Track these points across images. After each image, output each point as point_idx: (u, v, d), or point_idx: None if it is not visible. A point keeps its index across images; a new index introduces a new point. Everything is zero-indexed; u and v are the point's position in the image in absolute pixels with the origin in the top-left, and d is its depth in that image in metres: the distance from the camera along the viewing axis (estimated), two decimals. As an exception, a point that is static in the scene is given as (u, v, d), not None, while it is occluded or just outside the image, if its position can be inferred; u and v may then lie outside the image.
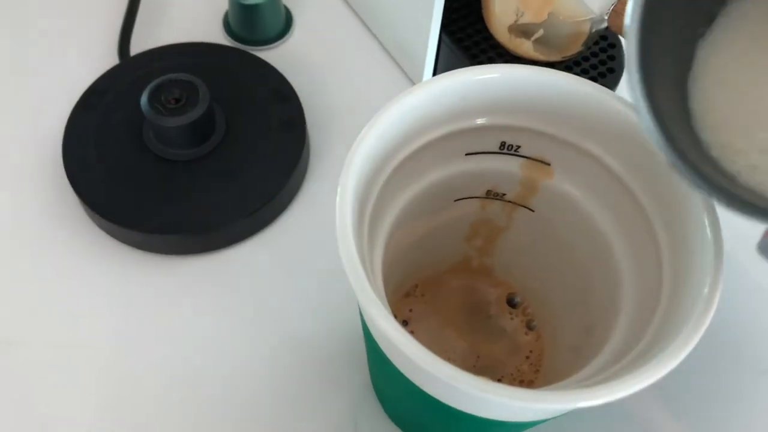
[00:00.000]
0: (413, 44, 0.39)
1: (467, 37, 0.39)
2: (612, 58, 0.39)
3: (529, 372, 0.32)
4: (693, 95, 0.21)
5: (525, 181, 0.27)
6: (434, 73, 0.41)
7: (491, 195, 0.29)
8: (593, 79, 0.38)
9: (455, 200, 0.29)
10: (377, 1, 0.42)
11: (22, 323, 0.34)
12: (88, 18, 0.45)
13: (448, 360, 0.19)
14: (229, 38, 0.45)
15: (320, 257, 0.36)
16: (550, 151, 0.26)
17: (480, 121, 0.25)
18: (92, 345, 0.34)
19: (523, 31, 0.36)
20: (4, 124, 0.41)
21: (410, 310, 0.33)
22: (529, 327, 0.33)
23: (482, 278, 0.34)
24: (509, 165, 0.27)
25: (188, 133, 0.36)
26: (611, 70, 0.39)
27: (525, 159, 0.27)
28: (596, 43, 0.39)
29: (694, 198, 0.22)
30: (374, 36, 0.45)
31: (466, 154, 0.27)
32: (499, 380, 0.31)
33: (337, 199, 0.21)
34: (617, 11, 0.33)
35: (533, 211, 0.29)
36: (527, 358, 0.32)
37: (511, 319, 0.33)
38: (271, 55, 0.44)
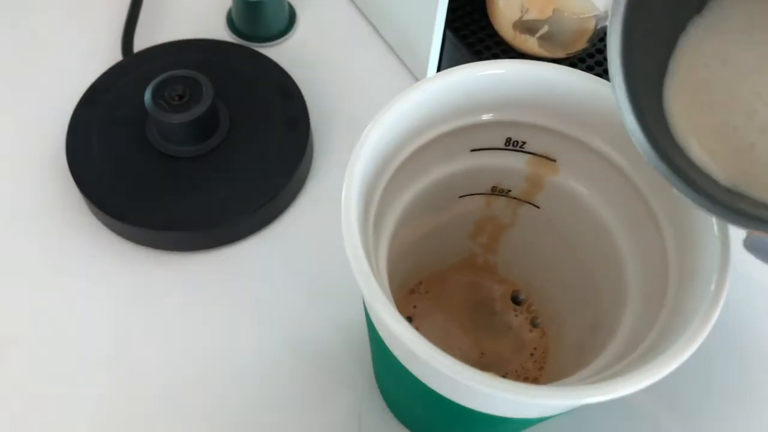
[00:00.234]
0: (417, 41, 0.39)
1: (471, 34, 0.39)
2: (617, 54, 0.39)
3: (533, 369, 0.32)
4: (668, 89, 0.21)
5: (530, 177, 0.27)
6: (438, 71, 0.40)
7: (496, 191, 0.28)
8: (598, 76, 0.38)
9: (460, 197, 0.29)
10: (381, -3, 0.42)
11: (24, 320, 0.34)
12: (92, 15, 0.45)
13: (453, 357, 0.19)
14: (232, 35, 0.45)
15: (324, 254, 0.36)
16: (556, 147, 0.26)
17: (485, 117, 0.25)
18: (94, 341, 0.34)
19: (527, 27, 0.36)
20: (8, 121, 0.41)
21: (414, 307, 0.33)
22: (534, 324, 0.33)
23: (487, 275, 0.33)
24: (515, 161, 0.27)
25: (192, 130, 0.36)
26: (616, 67, 0.38)
27: (530, 155, 0.27)
28: (601, 39, 0.39)
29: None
30: (378, 33, 0.45)
31: (471, 150, 0.27)
32: (503, 377, 0.31)
33: (343, 195, 0.21)
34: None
35: (538, 207, 0.29)
36: (531, 355, 0.32)
37: (516, 316, 0.33)
38: (274, 51, 0.44)
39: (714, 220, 0.21)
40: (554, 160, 0.26)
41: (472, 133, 0.26)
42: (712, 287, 0.20)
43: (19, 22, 0.45)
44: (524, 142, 0.26)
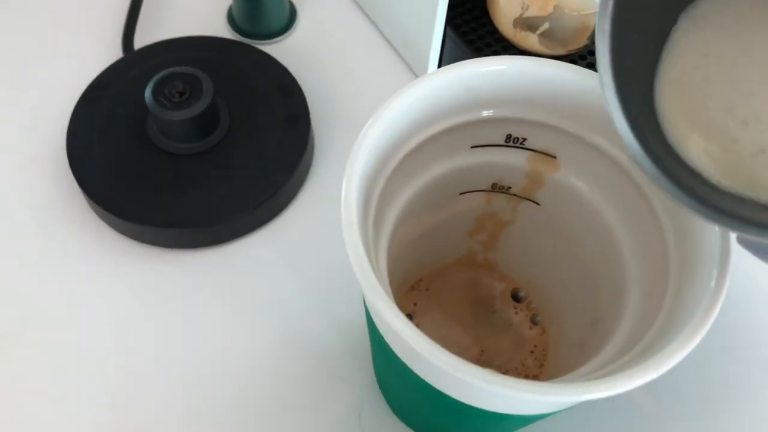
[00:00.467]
0: (418, 38, 0.39)
1: (472, 31, 0.39)
2: (617, 52, 0.39)
3: (533, 366, 0.32)
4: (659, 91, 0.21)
5: (531, 174, 0.27)
6: (439, 68, 0.40)
7: (497, 188, 0.28)
8: (599, 73, 0.38)
9: (460, 194, 0.29)
10: (382, -6, 0.42)
11: (24, 317, 0.34)
12: (92, 12, 0.45)
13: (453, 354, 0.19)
14: (233, 32, 0.45)
15: (325, 251, 0.36)
16: (557, 143, 0.26)
17: (486, 113, 0.25)
18: (94, 338, 0.34)
19: (528, 24, 0.36)
20: (9, 118, 0.41)
21: (414, 305, 0.33)
22: (534, 321, 0.33)
23: (487, 272, 0.33)
24: (515, 158, 0.27)
25: (192, 127, 0.36)
26: (617, 64, 0.38)
27: (531, 152, 0.27)
28: (602, 36, 0.39)
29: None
30: (379, 30, 0.45)
31: (472, 147, 0.27)
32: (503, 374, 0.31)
33: (343, 192, 0.21)
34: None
35: (539, 204, 0.28)
36: (532, 352, 0.32)
37: (516, 313, 0.33)
38: (275, 48, 0.44)
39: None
40: (555, 157, 0.26)
41: (473, 130, 0.26)
42: (713, 284, 0.20)
43: (19, 19, 0.45)
44: (525, 139, 0.26)
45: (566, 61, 0.24)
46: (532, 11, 0.35)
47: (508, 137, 0.26)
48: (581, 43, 0.37)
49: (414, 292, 0.33)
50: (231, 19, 0.45)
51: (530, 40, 0.37)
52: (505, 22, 0.37)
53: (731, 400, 0.33)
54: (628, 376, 0.19)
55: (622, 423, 0.32)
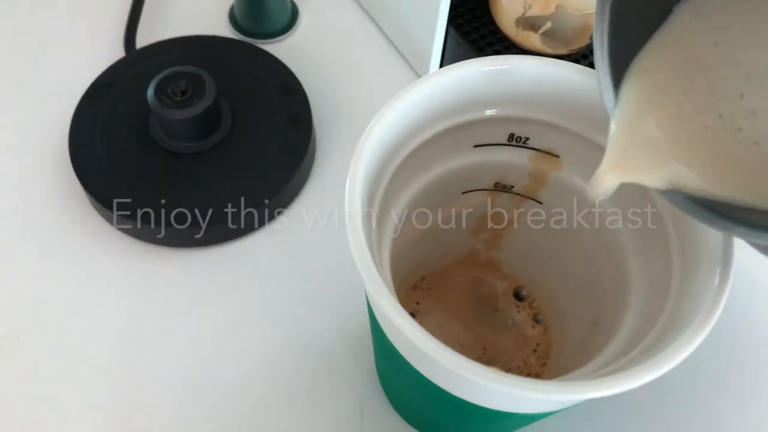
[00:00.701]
0: (420, 38, 0.39)
1: (474, 30, 0.39)
2: (619, 51, 0.39)
3: (536, 365, 0.32)
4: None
5: (534, 173, 0.27)
6: (441, 67, 0.40)
7: (499, 187, 0.28)
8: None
9: (463, 193, 0.29)
10: (384, -6, 0.42)
11: (29, 316, 0.34)
12: (94, 11, 0.45)
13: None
14: (235, 31, 0.45)
15: (327, 250, 0.36)
16: (559, 143, 0.26)
17: (488, 112, 0.25)
18: (97, 337, 0.34)
19: (530, 24, 0.36)
20: (11, 118, 0.41)
21: (417, 303, 0.33)
22: (536, 320, 0.33)
23: (489, 271, 0.33)
24: (518, 157, 0.27)
25: (195, 126, 0.36)
26: (619, 64, 0.38)
27: (534, 151, 0.27)
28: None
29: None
30: (380, 29, 0.45)
31: (474, 146, 0.27)
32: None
33: (346, 191, 0.21)
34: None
35: (541, 203, 0.29)
36: (534, 351, 0.32)
37: (518, 312, 0.33)
38: (276, 48, 0.44)
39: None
40: (557, 156, 0.26)
41: (475, 129, 0.26)
42: (716, 281, 0.20)
43: (21, 18, 0.45)
44: (527, 138, 0.26)
45: (569, 60, 0.24)
46: (535, 10, 0.35)
47: (511, 136, 0.26)
48: (584, 42, 0.37)
49: (416, 291, 0.33)
50: (233, 19, 0.45)
51: (532, 40, 0.37)
52: (507, 22, 0.37)
53: (732, 400, 0.33)
54: (630, 375, 0.19)
55: (623, 422, 0.32)
